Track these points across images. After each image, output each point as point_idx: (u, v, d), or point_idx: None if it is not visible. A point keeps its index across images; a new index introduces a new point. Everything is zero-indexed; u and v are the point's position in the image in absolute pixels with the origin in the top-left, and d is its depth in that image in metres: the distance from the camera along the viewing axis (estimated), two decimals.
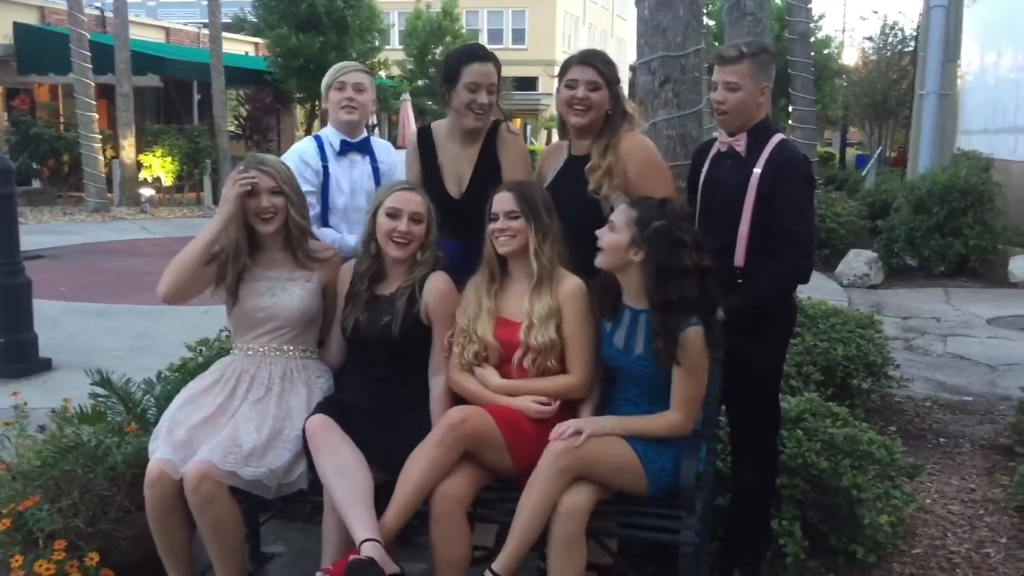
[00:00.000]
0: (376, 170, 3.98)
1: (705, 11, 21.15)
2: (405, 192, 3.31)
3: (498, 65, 3.61)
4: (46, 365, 6.80)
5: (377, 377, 3.30)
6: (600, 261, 3.06)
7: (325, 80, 3.98)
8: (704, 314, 2.95)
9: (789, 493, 3.59)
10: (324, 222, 3.89)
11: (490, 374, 3.16)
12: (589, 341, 3.14)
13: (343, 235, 3.84)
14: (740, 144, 3.33)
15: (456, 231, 3.49)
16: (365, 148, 4.00)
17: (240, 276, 3.34)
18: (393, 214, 3.25)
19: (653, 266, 2.94)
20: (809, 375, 4.97)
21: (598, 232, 3.05)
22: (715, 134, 3.50)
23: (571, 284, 3.15)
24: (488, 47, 3.75)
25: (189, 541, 3.09)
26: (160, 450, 3.02)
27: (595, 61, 3.39)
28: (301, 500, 3.25)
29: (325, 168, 3.91)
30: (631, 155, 3.35)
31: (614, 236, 3.01)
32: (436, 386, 3.25)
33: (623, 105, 3.44)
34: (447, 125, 3.70)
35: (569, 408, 3.13)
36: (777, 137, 3.34)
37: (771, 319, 3.36)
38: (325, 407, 3.19)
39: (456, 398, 3.22)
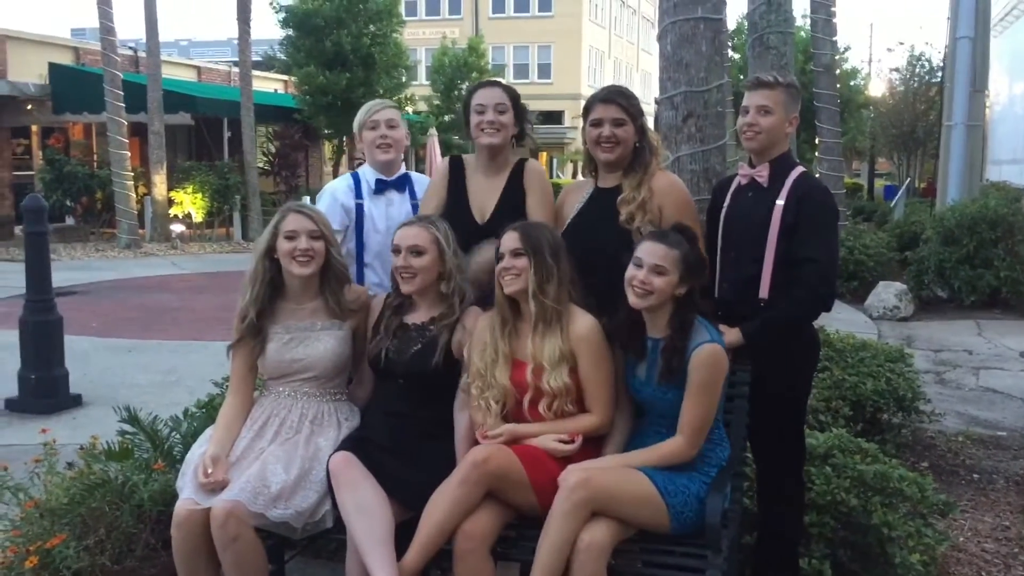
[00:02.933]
0: (415, 208, 3.93)
1: (731, 43, 21.20)
2: (404, 228, 3.35)
3: (511, 92, 3.67)
4: (76, 401, 6.86)
5: (395, 411, 3.30)
6: (646, 303, 3.04)
7: (357, 120, 4.00)
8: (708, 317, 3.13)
9: (818, 531, 3.53)
10: (359, 260, 3.91)
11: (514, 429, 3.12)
12: (607, 379, 3.12)
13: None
14: (762, 175, 3.34)
15: None
16: (403, 185, 4.00)
17: (267, 331, 3.36)
18: (394, 250, 3.31)
19: (696, 292, 3.07)
20: (838, 410, 4.91)
21: (640, 277, 3.02)
22: (738, 168, 3.50)
23: (584, 325, 3.12)
24: (513, 81, 3.81)
25: None
26: (187, 490, 3.04)
27: (618, 98, 3.44)
28: (326, 538, 3.24)
29: (359, 206, 3.93)
30: (667, 194, 3.40)
31: (667, 279, 3.02)
32: (461, 422, 3.24)
33: (649, 137, 3.48)
34: (474, 159, 3.77)
35: (593, 445, 3.11)
36: (798, 169, 3.36)
37: (794, 352, 3.34)
38: (348, 443, 3.20)
39: None
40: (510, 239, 3.16)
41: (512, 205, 3.59)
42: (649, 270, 3.02)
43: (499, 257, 3.17)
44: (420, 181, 4.08)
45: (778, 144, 3.37)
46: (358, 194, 3.95)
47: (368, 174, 4.00)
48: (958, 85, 13.50)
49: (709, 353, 2.97)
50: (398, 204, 3.97)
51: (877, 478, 3.68)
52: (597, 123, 3.43)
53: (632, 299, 3.06)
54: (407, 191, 4.00)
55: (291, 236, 3.30)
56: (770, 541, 3.42)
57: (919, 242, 12.32)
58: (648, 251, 3.04)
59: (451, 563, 2.92)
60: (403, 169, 4.06)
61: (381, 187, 3.96)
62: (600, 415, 3.11)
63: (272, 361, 3.35)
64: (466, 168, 3.76)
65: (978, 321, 10.44)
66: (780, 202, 3.27)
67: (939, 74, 26.40)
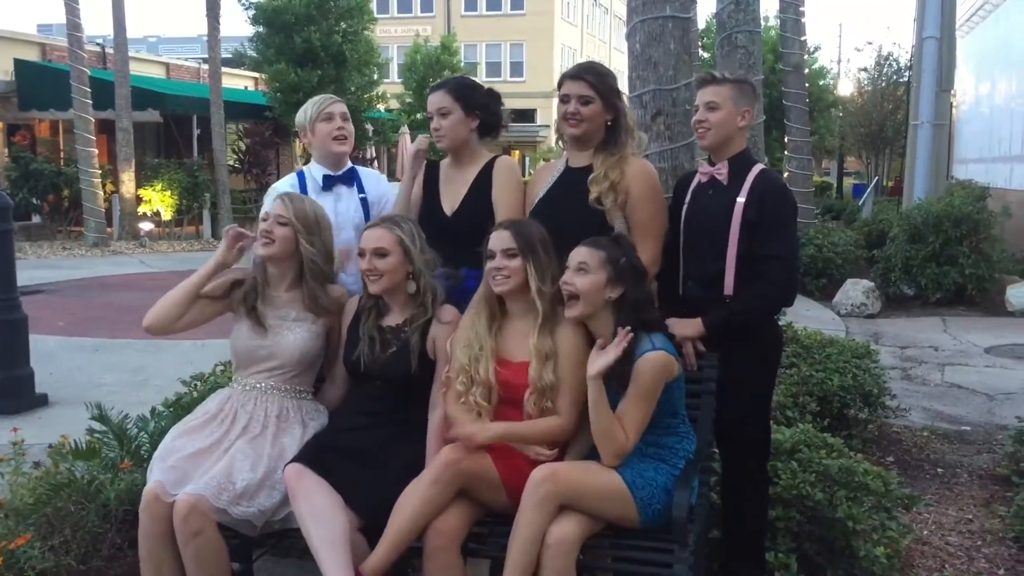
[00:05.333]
0: (364, 201, 3.92)
1: (701, 42, 21.28)
2: (368, 230, 3.36)
3: (456, 91, 3.64)
4: (42, 401, 6.78)
5: (371, 411, 3.29)
6: (577, 311, 3.05)
7: (308, 114, 3.88)
8: (660, 330, 3.09)
9: (784, 525, 3.57)
10: None
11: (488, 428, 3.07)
12: (581, 383, 3.06)
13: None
14: (722, 173, 3.37)
15: (446, 250, 3.47)
16: (351, 179, 3.95)
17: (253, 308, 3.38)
18: (360, 253, 3.32)
19: (631, 299, 3.03)
20: (805, 405, 4.96)
21: (565, 277, 3.04)
22: (698, 166, 3.53)
23: (567, 331, 3.12)
24: (486, 80, 3.83)
25: None
26: (154, 474, 3.03)
27: (587, 75, 3.43)
28: (294, 537, 3.23)
29: None
30: (637, 179, 3.39)
31: (591, 278, 3.02)
32: (434, 419, 3.24)
33: (626, 119, 3.46)
34: (448, 159, 3.80)
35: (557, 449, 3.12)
36: (758, 167, 3.39)
37: (759, 348, 3.37)
38: (306, 450, 3.20)
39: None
40: (502, 239, 3.14)
41: (480, 197, 3.61)
42: (573, 270, 3.04)
43: (490, 255, 3.16)
44: (368, 176, 4.05)
45: (733, 140, 3.38)
46: (303, 192, 3.85)
47: (315, 171, 3.93)
48: (924, 85, 13.65)
49: (655, 358, 2.95)
50: (347, 199, 3.92)
51: (842, 472, 3.73)
52: (565, 99, 3.44)
53: (566, 311, 3.07)
54: (355, 185, 3.95)
55: (264, 218, 3.38)
56: (735, 535, 3.45)
57: (886, 240, 12.46)
58: (573, 253, 3.07)
59: (421, 560, 2.93)
60: (349, 162, 4.00)
61: (328, 183, 3.90)
62: (567, 417, 3.07)
63: (241, 345, 3.35)
64: (440, 169, 3.79)
65: (944, 318, 10.58)
66: (741, 199, 3.29)
67: (906, 74, 26.72)
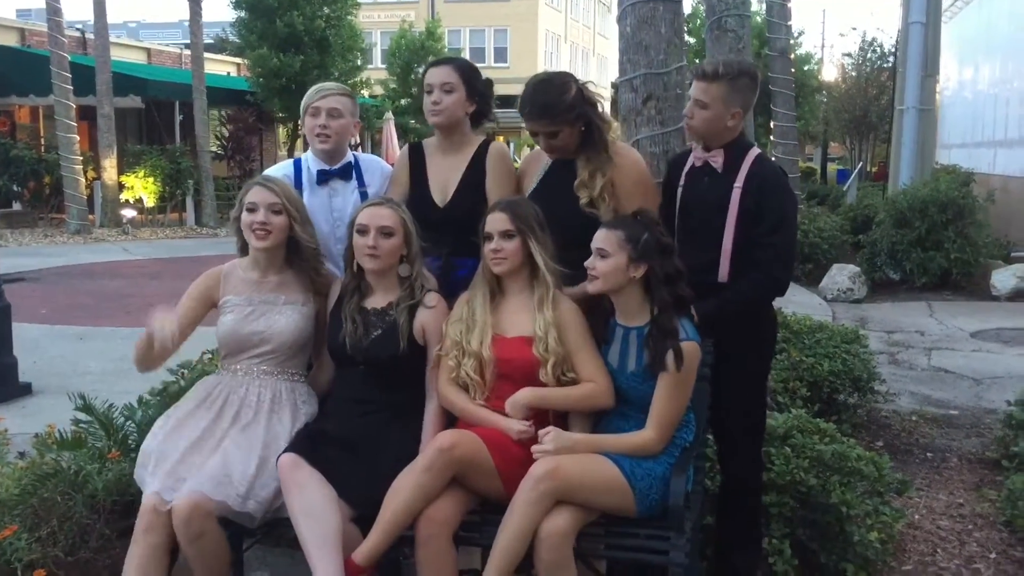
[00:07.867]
0: (365, 196, 3.72)
1: (686, 28, 21.27)
2: (373, 208, 3.29)
3: (462, 71, 3.58)
4: (26, 390, 6.71)
5: (360, 398, 3.25)
6: (597, 287, 3.06)
7: (303, 103, 3.74)
8: (688, 313, 3.06)
9: (778, 511, 3.57)
10: None
11: (517, 395, 3.07)
12: (593, 346, 3.13)
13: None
14: (716, 161, 3.31)
15: (438, 241, 3.43)
16: (348, 173, 3.77)
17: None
18: (362, 230, 3.24)
19: (659, 275, 3.00)
20: (796, 391, 4.96)
21: (587, 263, 3.05)
22: (692, 148, 3.47)
23: (569, 302, 3.16)
24: None
25: None
26: (150, 484, 2.97)
27: (545, 114, 3.33)
28: (285, 526, 3.20)
29: None
30: (623, 172, 3.36)
31: (610, 260, 3.01)
32: (430, 409, 3.22)
33: (599, 120, 3.38)
34: (434, 141, 3.71)
35: (561, 422, 3.10)
36: (754, 152, 3.32)
37: (757, 327, 3.35)
38: (299, 440, 3.15)
39: (448, 421, 3.19)
40: (499, 220, 3.14)
41: (473, 186, 3.54)
42: (594, 254, 3.05)
43: (487, 237, 3.15)
44: (370, 165, 3.88)
45: (722, 135, 3.30)
46: (297, 183, 3.70)
47: (311, 162, 3.77)
48: (910, 70, 13.68)
49: (689, 350, 2.96)
50: (343, 194, 3.76)
51: (835, 458, 3.73)
52: (534, 133, 3.41)
53: (588, 286, 3.09)
54: (354, 179, 3.78)
55: (251, 208, 3.27)
56: (733, 519, 3.44)
57: (872, 225, 12.49)
58: (595, 236, 3.07)
59: (413, 548, 2.90)
60: (349, 155, 3.80)
61: (323, 177, 3.74)
62: (603, 381, 3.08)
63: (231, 333, 3.28)
64: (425, 151, 3.70)
65: (929, 302, 10.62)
66: (738, 185, 3.24)
67: (890, 59, 26.81)
